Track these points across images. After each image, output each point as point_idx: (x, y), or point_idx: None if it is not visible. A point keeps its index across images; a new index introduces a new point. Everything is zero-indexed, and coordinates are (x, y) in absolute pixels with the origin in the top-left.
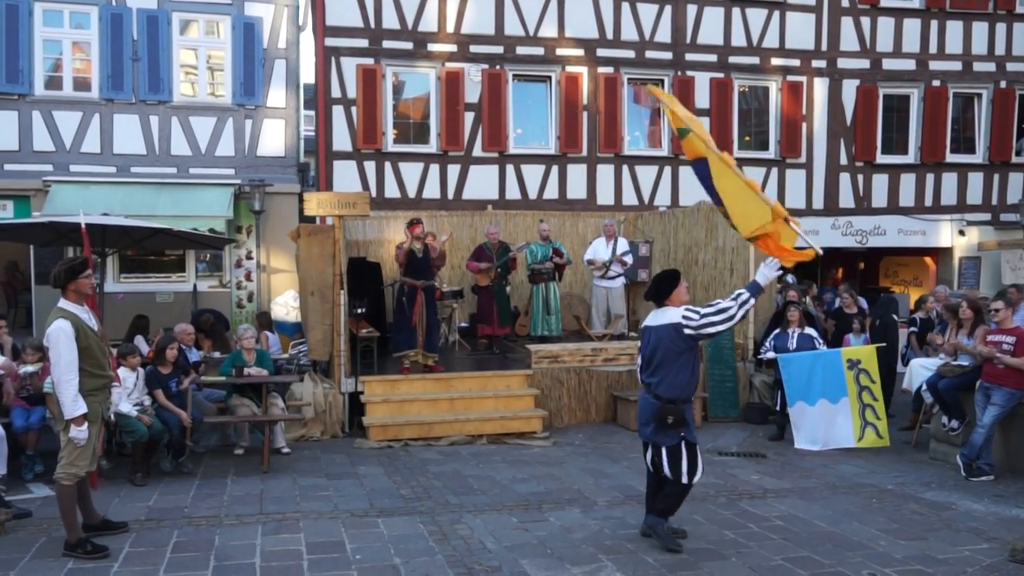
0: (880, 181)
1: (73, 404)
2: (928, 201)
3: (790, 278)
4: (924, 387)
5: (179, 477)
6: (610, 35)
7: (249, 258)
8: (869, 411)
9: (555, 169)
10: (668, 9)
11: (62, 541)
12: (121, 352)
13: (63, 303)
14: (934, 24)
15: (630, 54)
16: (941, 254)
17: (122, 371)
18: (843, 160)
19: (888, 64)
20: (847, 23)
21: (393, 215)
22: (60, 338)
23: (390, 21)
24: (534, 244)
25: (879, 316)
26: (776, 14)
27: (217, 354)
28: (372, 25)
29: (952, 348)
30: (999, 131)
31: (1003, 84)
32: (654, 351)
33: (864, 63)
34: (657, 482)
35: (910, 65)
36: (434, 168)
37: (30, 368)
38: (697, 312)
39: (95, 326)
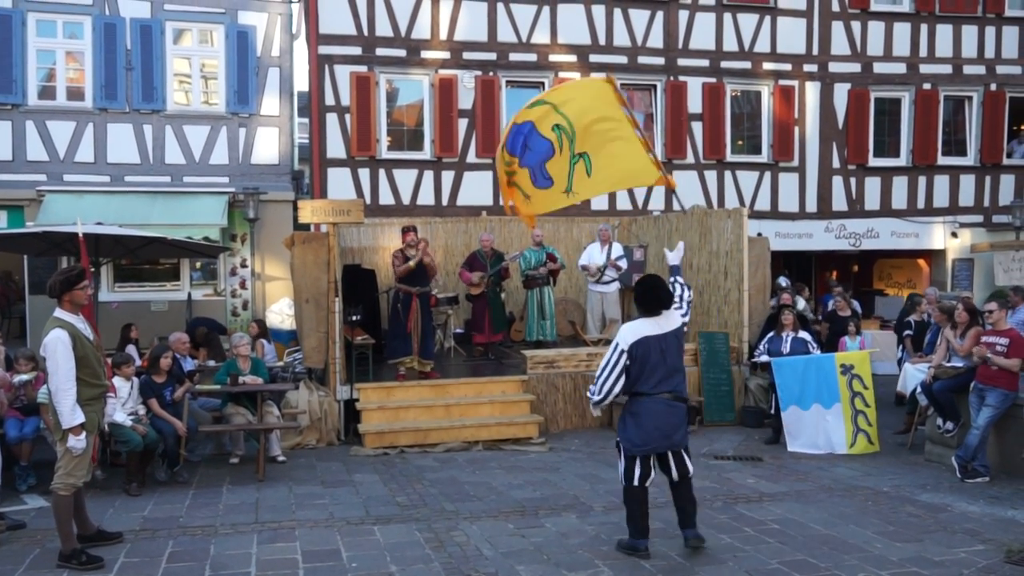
0: (872, 184)
1: (72, 414)
2: (920, 203)
3: (783, 281)
4: (919, 389)
5: (174, 486)
6: (602, 41)
7: (244, 266)
8: (861, 417)
9: None
10: (660, 15)
11: (56, 552)
12: (116, 361)
13: (59, 312)
14: (924, 28)
15: (622, 60)
16: (934, 256)
17: (117, 380)
18: (835, 163)
19: (879, 68)
20: (837, 27)
21: (388, 222)
22: (58, 348)
23: (383, 28)
24: (527, 250)
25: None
26: (767, 19)
27: (212, 363)
28: (365, 32)
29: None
30: (990, 133)
31: (993, 87)
32: (667, 357)
33: (855, 67)
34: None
35: (901, 68)
36: (428, 175)
37: (24, 377)
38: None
39: (91, 336)
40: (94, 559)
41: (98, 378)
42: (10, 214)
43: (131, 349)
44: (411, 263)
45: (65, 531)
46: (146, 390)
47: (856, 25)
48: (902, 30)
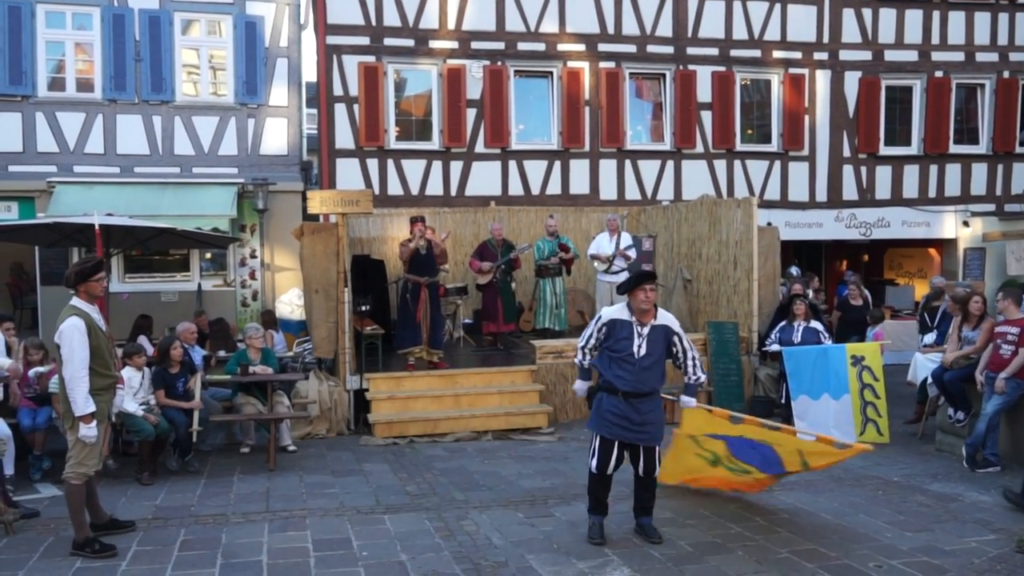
0: (883, 173)
1: (84, 402)
2: (932, 192)
3: (794, 270)
4: (929, 379)
5: (185, 476)
6: (611, 30)
7: (253, 257)
8: (871, 408)
9: (557, 164)
10: (669, 3)
11: (70, 540)
12: (127, 352)
13: (75, 301)
14: (936, 15)
15: (631, 48)
16: (946, 245)
17: (127, 371)
18: (846, 152)
19: (890, 55)
20: (848, 15)
21: (396, 212)
22: (74, 335)
23: (391, 18)
24: (541, 240)
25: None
26: (777, 6)
27: (222, 353)
28: (373, 22)
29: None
30: (1002, 121)
31: (1006, 74)
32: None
33: (866, 55)
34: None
35: (912, 56)
36: (437, 165)
37: (41, 369)
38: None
39: (104, 327)
40: (107, 547)
41: (109, 368)
42: (21, 205)
43: (143, 340)
44: (412, 244)
45: (78, 519)
46: (158, 380)
47: (867, 12)
48: (914, 17)
